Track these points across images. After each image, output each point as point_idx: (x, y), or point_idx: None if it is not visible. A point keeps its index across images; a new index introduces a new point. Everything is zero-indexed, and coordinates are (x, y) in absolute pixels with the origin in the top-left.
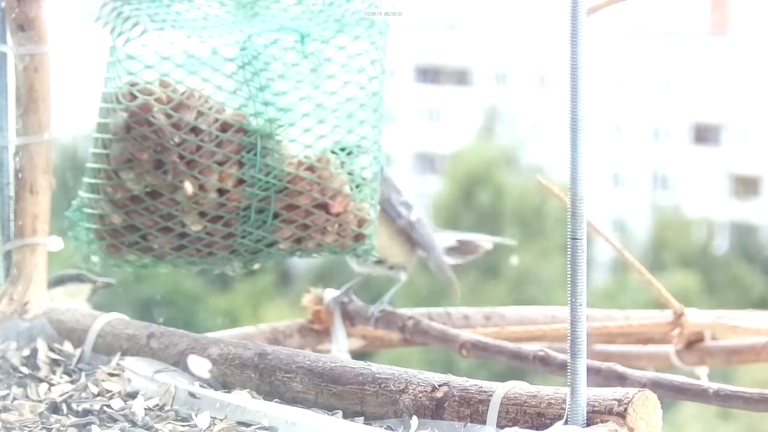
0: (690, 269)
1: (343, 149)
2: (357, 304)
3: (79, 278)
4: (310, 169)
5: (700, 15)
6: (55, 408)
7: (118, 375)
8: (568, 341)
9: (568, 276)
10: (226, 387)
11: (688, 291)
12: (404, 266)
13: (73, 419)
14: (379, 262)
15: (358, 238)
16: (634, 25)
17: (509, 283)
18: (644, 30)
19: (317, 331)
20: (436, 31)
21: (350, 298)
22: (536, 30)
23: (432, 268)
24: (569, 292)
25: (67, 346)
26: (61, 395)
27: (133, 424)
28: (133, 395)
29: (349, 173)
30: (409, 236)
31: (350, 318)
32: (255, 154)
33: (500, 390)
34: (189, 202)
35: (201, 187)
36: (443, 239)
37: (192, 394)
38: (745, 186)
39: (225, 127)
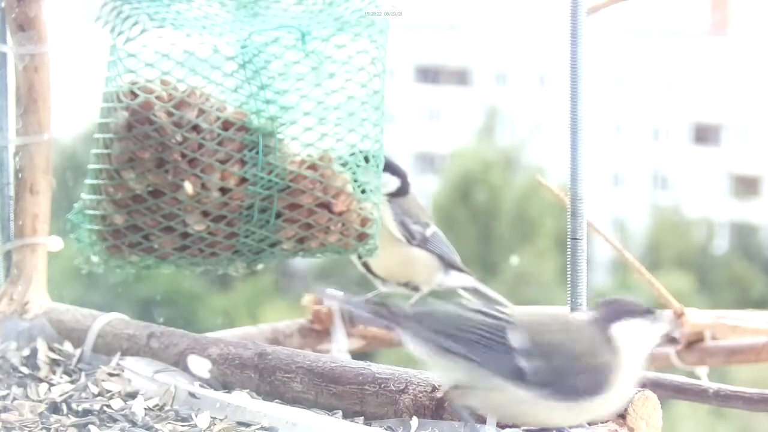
0: (690, 269)
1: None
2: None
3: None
4: (312, 167)
5: (700, 15)
6: (55, 408)
7: (118, 375)
8: None
9: (568, 276)
10: (226, 387)
11: (687, 291)
12: (427, 281)
13: (73, 419)
14: (405, 284)
15: (362, 237)
16: (634, 25)
17: (508, 283)
18: (644, 30)
19: (317, 331)
20: (436, 31)
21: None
22: (536, 30)
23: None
24: (569, 292)
25: (67, 346)
26: (61, 395)
27: (133, 424)
28: (133, 395)
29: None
30: (428, 252)
31: (350, 318)
32: (257, 153)
33: None
34: (191, 201)
35: (203, 186)
36: (463, 279)
37: (192, 394)
38: (745, 186)
39: (226, 125)
